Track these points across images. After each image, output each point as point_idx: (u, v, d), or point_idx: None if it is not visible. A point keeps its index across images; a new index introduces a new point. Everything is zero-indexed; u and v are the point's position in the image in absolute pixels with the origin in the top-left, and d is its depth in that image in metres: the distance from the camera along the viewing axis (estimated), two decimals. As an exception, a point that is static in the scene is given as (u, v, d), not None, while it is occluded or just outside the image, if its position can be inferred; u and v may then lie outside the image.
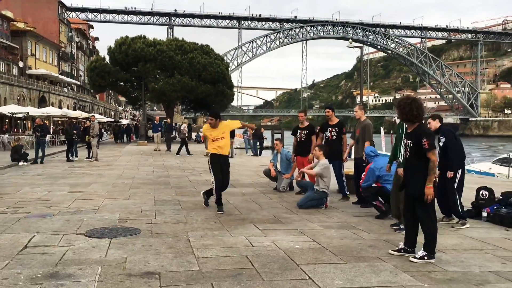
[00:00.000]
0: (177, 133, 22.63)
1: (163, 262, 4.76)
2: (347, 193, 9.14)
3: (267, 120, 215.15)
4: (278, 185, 10.26)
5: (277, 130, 61.75)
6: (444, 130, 7.04)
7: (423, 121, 5.23)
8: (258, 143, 26.44)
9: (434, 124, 7.13)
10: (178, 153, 22.42)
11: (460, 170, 6.90)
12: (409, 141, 5.11)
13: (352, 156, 9.24)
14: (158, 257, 4.91)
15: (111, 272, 4.45)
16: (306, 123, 9.91)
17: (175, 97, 39.12)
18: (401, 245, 5.24)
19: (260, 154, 25.87)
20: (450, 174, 6.79)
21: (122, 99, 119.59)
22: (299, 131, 9.91)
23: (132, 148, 28.90)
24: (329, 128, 9.26)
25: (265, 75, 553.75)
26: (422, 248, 5.02)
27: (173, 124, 34.82)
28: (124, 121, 65.79)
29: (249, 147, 26.48)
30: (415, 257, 4.98)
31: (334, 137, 9.18)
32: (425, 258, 4.94)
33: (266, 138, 30.10)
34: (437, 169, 5.12)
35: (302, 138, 9.78)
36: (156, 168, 15.73)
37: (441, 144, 6.87)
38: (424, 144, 4.93)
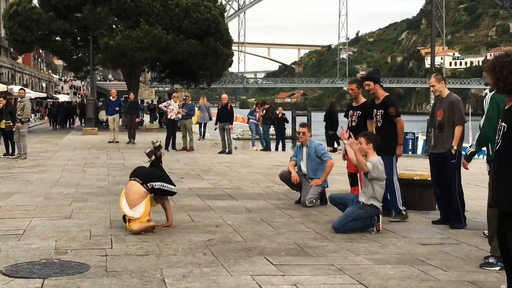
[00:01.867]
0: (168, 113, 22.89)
1: (125, 315, 4.80)
2: (403, 208, 9.12)
3: (284, 94, 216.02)
4: (303, 197, 10.31)
5: (300, 111, 61.77)
6: None
7: None
8: (274, 129, 26.75)
9: None
10: (173, 147, 22.87)
11: None
12: (503, 124, 5.02)
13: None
14: (117, 308, 4.95)
15: (44, 331, 4.48)
16: (361, 100, 9.90)
17: (141, 60, 39.17)
18: None
19: (283, 149, 26.15)
20: None
21: (58, 63, 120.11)
22: (350, 112, 9.95)
23: (74, 139, 28.96)
24: (374, 110, 9.33)
25: (281, 25, 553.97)
26: None
27: (139, 102, 34.93)
28: (63, 97, 66.23)
29: (257, 137, 26.60)
30: None
31: (379, 124, 9.24)
32: None
33: (287, 121, 29.94)
34: None
35: (353, 123, 9.78)
36: (113, 169, 15.79)
37: None
38: None
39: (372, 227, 8.19)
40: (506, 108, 5.13)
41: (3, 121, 18.94)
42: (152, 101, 56.51)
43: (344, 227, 8.12)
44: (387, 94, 9.40)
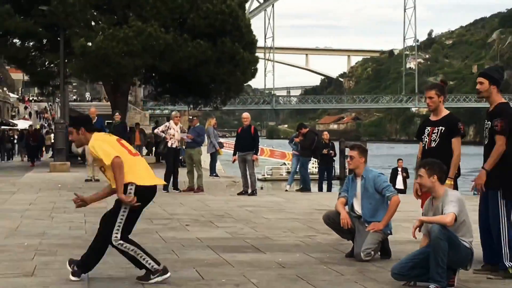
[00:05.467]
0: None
1: None
2: (510, 264, 9.02)
3: (330, 118, 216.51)
4: (357, 247, 10.27)
5: (352, 141, 61.77)
6: None
7: None
8: (317, 163, 26.97)
9: None
10: (175, 186, 23.14)
11: None
12: None
13: None
14: None
15: None
16: (443, 112, 9.93)
17: (131, 69, 39.31)
18: None
19: (329, 189, 26.43)
20: None
21: (17, 77, 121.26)
22: (427, 130, 9.94)
23: (38, 177, 29.09)
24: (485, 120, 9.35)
25: (324, 24, 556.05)
26: None
27: (127, 124, 35.08)
28: (23, 124, 66.83)
29: (296, 175, 26.88)
30: None
31: (486, 141, 9.20)
32: None
33: (333, 155, 29.75)
34: None
35: (433, 144, 9.77)
36: (92, 215, 15.71)
37: None
38: None
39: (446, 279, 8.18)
40: None
41: None
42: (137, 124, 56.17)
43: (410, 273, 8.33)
44: (505, 101, 9.37)
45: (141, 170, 8.52)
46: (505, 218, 9.04)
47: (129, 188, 8.15)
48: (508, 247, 9.00)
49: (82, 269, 8.57)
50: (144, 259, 8.32)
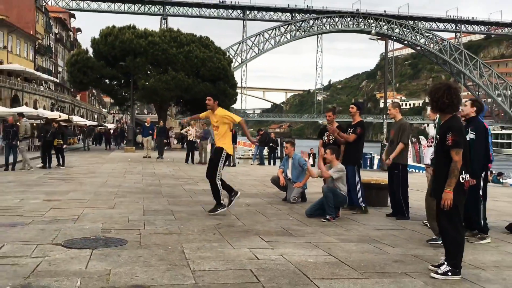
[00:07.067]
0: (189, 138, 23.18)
1: (153, 274, 4.77)
2: (363, 205, 9.12)
3: (275, 126, 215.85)
4: (288, 195, 10.30)
5: (286, 138, 62.47)
6: (477, 124, 6.63)
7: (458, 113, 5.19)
8: (268, 150, 27.15)
9: (468, 110, 6.74)
10: (192, 161, 22.77)
11: (484, 175, 6.78)
12: (437, 136, 5.16)
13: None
14: (148, 270, 4.92)
15: (92, 284, 4.45)
16: (336, 124, 9.91)
17: (169, 97, 39.24)
18: (442, 260, 5.17)
19: (274, 164, 26.42)
20: (472, 181, 6.20)
21: (107, 100, 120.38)
22: (326, 133, 9.91)
23: (117, 155, 29.00)
24: (349, 128, 9.39)
25: (273, 75, 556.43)
26: (445, 262, 5.00)
27: (166, 128, 34.94)
28: (110, 125, 66.22)
29: (257, 157, 26.81)
30: (437, 273, 4.98)
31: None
32: (449, 274, 4.92)
33: (277, 146, 29.76)
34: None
35: (330, 141, 9.69)
36: (146, 176, 15.78)
37: (468, 138, 6.21)
38: (447, 140, 4.89)
39: (334, 213, 8.20)
40: (441, 124, 5.18)
41: (56, 139, 18.81)
42: (171, 127, 55.82)
43: (315, 213, 8.37)
44: (362, 120, 9.45)
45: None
46: (358, 180, 9.14)
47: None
48: (360, 195, 9.10)
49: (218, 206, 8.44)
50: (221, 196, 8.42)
